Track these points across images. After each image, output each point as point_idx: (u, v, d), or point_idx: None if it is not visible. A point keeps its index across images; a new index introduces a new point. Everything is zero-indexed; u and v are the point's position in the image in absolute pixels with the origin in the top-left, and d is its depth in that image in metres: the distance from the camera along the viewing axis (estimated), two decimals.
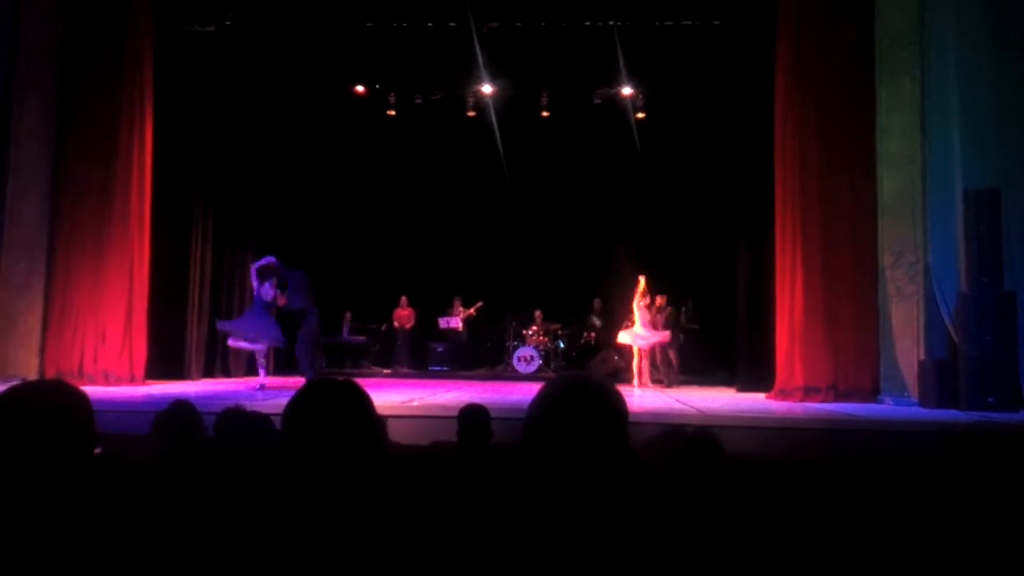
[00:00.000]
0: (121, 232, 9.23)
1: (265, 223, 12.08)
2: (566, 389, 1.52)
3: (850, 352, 8.22)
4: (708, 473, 2.09)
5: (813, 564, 1.92)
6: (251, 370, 9.70)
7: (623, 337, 10.67)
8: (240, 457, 2.78)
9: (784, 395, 8.34)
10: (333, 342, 13.41)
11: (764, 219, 9.05)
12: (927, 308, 8.01)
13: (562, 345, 13.40)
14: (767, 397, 8.65)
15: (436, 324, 13.62)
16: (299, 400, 1.62)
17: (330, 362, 13.28)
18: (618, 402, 1.53)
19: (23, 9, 9.18)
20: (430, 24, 10.52)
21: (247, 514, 1.50)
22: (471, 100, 12.24)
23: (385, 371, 13.35)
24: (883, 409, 7.66)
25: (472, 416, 3.93)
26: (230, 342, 9.55)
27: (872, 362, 8.18)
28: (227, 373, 11.25)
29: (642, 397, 9.07)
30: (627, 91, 11.95)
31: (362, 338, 13.89)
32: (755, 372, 9.41)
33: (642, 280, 10.33)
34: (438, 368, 13.27)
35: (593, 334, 13.24)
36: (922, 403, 7.70)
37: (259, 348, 9.39)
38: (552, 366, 12.87)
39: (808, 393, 8.15)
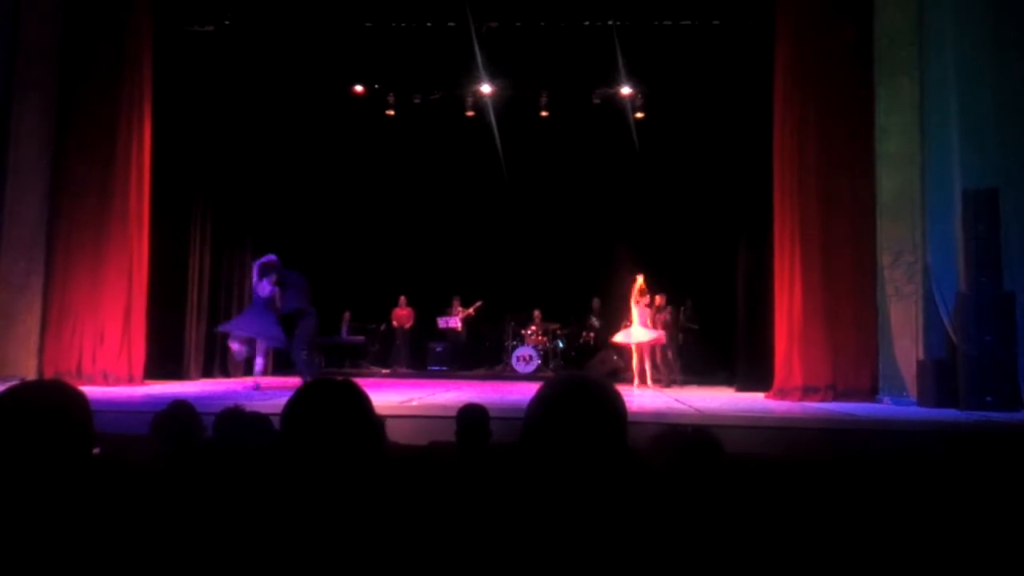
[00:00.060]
0: (120, 232, 9.23)
1: (264, 223, 12.08)
2: (565, 389, 1.52)
3: (849, 352, 8.23)
4: (707, 473, 2.09)
5: (812, 564, 1.92)
6: (250, 370, 9.70)
7: (619, 338, 10.69)
8: (239, 457, 2.79)
9: (783, 395, 8.34)
10: (332, 342, 13.40)
11: (763, 219, 9.05)
12: (926, 308, 8.01)
13: (561, 345, 13.40)
14: (766, 397, 8.65)
15: (435, 324, 13.63)
16: (298, 400, 1.62)
17: (329, 362, 13.27)
18: (617, 402, 1.53)
19: (23, 9, 9.18)
20: (429, 24, 10.53)
21: (246, 514, 1.50)
22: (470, 100, 12.25)
23: (384, 371, 13.35)
24: (882, 409, 7.66)
25: (471, 416, 3.93)
26: (231, 344, 9.55)
27: (871, 362, 8.19)
28: (226, 373, 11.25)
29: (642, 397, 9.07)
30: (626, 91, 11.95)
31: (361, 338, 13.88)
32: (754, 372, 9.42)
33: (639, 278, 10.33)
34: (437, 368, 13.27)
35: (592, 334, 13.23)
36: (921, 403, 7.71)
37: (258, 347, 9.39)
38: (551, 366, 12.87)
39: (807, 393, 8.15)
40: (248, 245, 11.83)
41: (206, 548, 1.48)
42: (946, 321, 7.83)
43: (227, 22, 10.51)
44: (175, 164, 10.25)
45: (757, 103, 9.23)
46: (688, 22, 10.23)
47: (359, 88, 12.34)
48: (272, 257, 9.10)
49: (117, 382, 8.96)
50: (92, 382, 8.76)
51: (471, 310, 13.75)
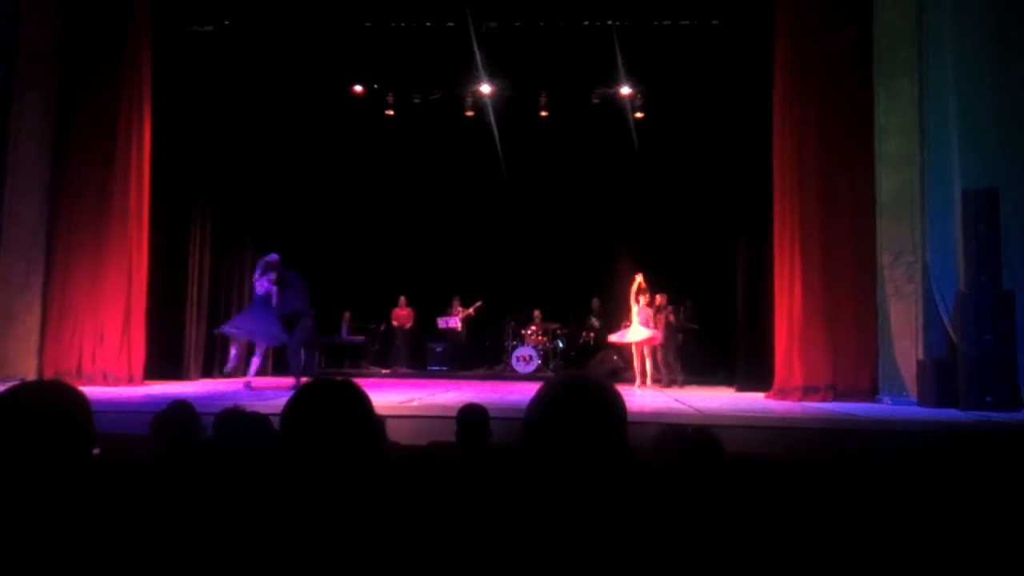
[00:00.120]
0: (120, 232, 9.22)
1: (264, 223, 12.08)
2: (565, 389, 1.52)
3: (849, 352, 8.23)
4: (708, 473, 2.09)
5: (812, 564, 1.92)
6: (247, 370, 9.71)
7: (614, 337, 10.70)
8: (239, 457, 2.78)
9: (783, 395, 8.34)
10: (332, 342, 13.41)
11: (763, 218, 9.05)
12: (926, 308, 8.02)
13: (561, 345, 13.40)
14: (766, 397, 8.65)
15: (435, 324, 13.63)
16: (297, 400, 1.62)
17: (329, 362, 13.28)
18: (617, 401, 1.53)
19: (23, 9, 9.18)
20: (428, 24, 10.53)
21: (246, 514, 1.50)
22: (470, 100, 12.25)
23: (384, 371, 13.34)
24: (882, 409, 7.66)
25: (471, 416, 3.93)
26: (232, 349, 9.54)
27: (871, 361, 8.19)
28: (225, 373, 11.24)
29: (642, 397, 9.07)
30: (626, 91, 11.95)
31: (361, 338, 13.88)
32: (754, 372, 9.42)
33: (638, 277, 10.33)
34: (437, 368, 13.28)
35: (592, 334, 13.23)
36: (921, 402, 7.71)
37: (257, 347, 9.39)
38: (551, 366, 12.87)
39: (807, 393, 8.15)
40: (248, 245, 11.83)
41: (206, 548, 1.48)
42: (946, 321, 7.83)
43: (227, 22, 10.51)
44: (175, 164, 10.24)
45: (757, 103, 9.22)
46: (687, 22, 10.23)
47: (359, 88, 12.34)
48: (274, 256, 9.11)
49: (117, 382, 8.95)
50: (92, 382, 8.76)
51: (471, 310, 13.75)
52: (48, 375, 8.81)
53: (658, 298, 10.57)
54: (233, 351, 9.44)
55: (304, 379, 8.39)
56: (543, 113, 12.43)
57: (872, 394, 8.11)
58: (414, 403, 7.74)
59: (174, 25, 10.18)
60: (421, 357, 13.62)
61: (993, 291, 7.45)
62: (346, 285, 13.57)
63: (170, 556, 1.49)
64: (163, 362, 10.05)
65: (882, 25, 8.34)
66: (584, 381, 1.54)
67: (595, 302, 13.32)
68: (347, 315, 13.76)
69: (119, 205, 9.25)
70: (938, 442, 5.82)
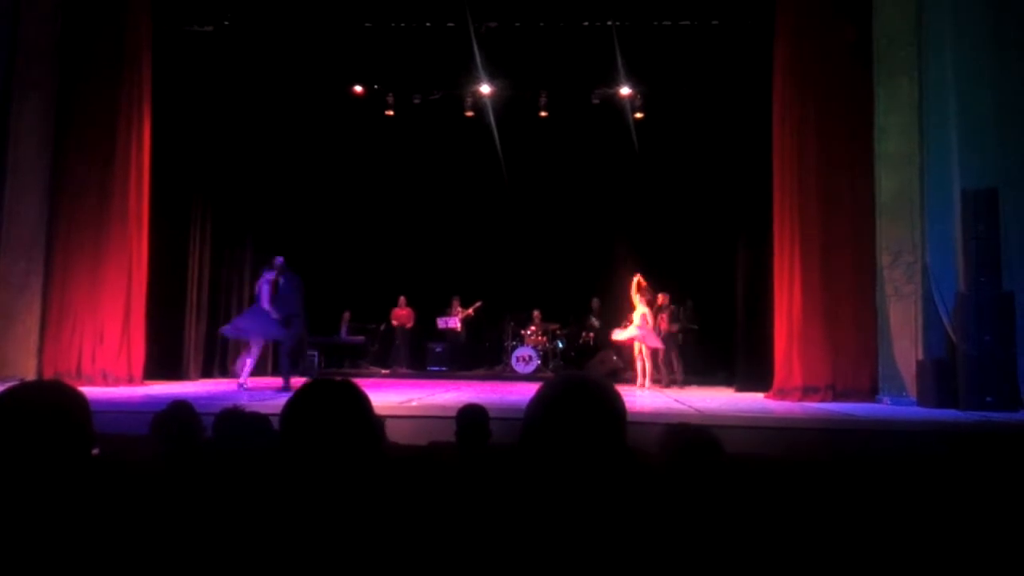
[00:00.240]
0: (119, 232, 9.22)
1: (264, 223, 12.07)
2: (565, 389, 1.52)
3: (848, 352, 8.23)
4: (708, 473, 2.09)
5: (812, 564, 1.92)
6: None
7: (617, 335, 10.71)
8: (239, 457, 2.79)
9: (783, 395, 8.34)
10: (332, 342, 13.41)
11: (763, 219, 9.05)
12: (925, 308, 8.02)
13: (560, 345, 13.40)
14: (766, 397, 8.65)
15: (435, 324, 13.63)
16: (297, 400, 1.62)
17: (328, 362, 13.27)
18: (616, 401, 1.53)
19: (23, 9, 9.18)
20: (428, 24, 10.53)
21: (246, 514, 1.50)
22: (469, 100, 12.25)
23: (383, 371, 13.35)
24: (882, 409, 7.66)
25: (471, 416, 3.93)
26: (248, 358, 9.52)
27: (870, 362, 8.19)
28: (225, 373, 11.24)
29: (642, 397, 9.07)
30: (625, 91, 11.96)
31: (360, 338, 13.88)
32: (754, 372, 9.42)
33: (637, 276, 10.34)
34: (436, 368, 13.27)
35: (591, 334, 13.24)
36: (920, 403, 7.71)
37: (252, 347, 9.37)
38: (551, 366, 12.88)
39: (807, 393, 8.15)
40: (248, 245, 11.82)
41: (206, 548, 1.48)
42: (946, 321, 7.84)
43: (226, 22, 10.52)
44: (174, 164, 10.24)
45: (757, 103, 9.22)
46: (687, 22, 10.23)
47: (359, 88, 12.35)
48: (280, 260, 9.10)
49: (117, 382, 8.95)
50: (92, 382, 8.76)
51: (471, 310, 13.75)
52: (48, 375, 8.81)
53: (660, 297, 10.57)
54: (249, 362, 9.38)
55: (295, 379, 8.42)
56: (543, 113, 12.43)
57: (872, 394, 8.12)
58: (414, 403, 7.74)
59: (174, 25, 10.18)
60: (421, 357, 13.62)
61: (993, 291, 7.45)
62: (346, 285, 13.58)
63: (170, 556, 1.49)
64: (163, 362, 10.05)
65: (882, 25, 8.34)
66: (584, 381, 1.54)
67: (595, 302, 13.32)
68: (347, 315, 13.77)
69: (119, 205, 9.25)
70: (938, 442, 5.82)
